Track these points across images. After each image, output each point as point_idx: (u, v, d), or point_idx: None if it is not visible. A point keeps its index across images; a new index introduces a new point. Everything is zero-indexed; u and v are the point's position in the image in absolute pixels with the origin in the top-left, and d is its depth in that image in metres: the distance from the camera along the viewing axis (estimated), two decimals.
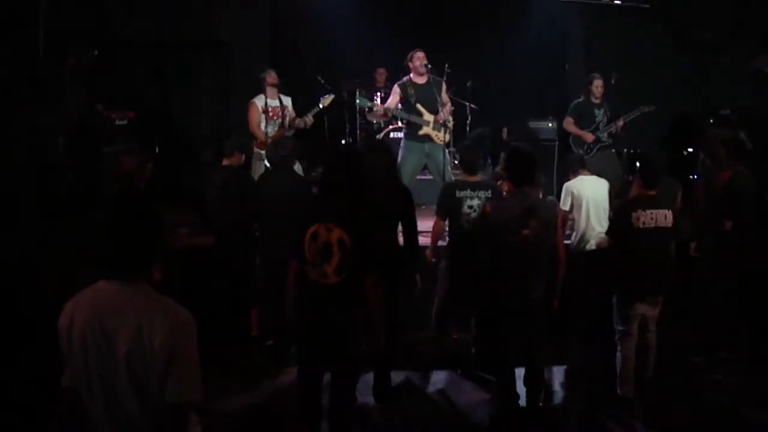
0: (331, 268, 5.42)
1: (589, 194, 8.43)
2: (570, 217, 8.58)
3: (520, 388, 6.82)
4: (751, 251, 7.81)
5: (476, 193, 7.64)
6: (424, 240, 7.97)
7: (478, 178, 7.95)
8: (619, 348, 7.18)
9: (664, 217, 6.90)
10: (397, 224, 7.04)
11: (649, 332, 7.24)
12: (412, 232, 7.11)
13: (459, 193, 7.69)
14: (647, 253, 6.92)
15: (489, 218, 6.49)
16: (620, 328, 7.16)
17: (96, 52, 10.63)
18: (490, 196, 7.56)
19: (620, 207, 7.24)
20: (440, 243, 8.16)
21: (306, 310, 5.67)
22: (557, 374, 7.90)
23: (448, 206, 7.77)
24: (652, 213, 6.87)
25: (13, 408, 5.83)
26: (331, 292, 5.47)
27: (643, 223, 6.84)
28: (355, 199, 5.58)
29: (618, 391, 7.16)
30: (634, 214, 6.86)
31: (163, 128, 11.74)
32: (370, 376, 7.21)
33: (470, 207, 7.60)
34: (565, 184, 8.62)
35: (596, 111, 10.76)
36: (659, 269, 7.04)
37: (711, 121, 11.52)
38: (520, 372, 6.82)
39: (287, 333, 7.49)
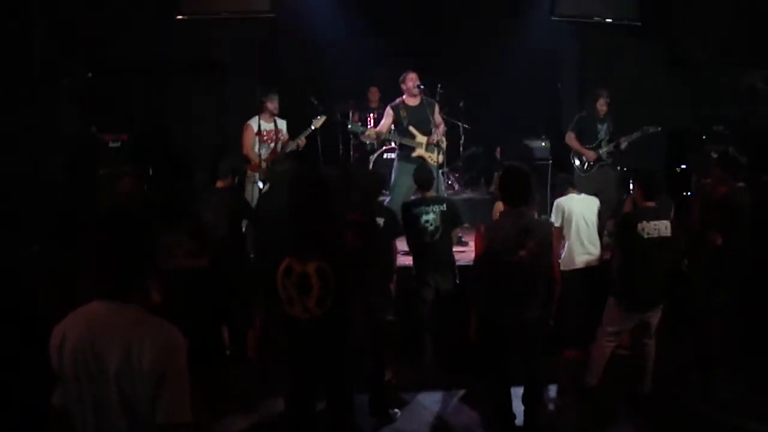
0: (312, 301, 5.25)
1: (578, 211, 8.48)
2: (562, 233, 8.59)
3: (517, 407, 6.82)
4: (747, 266, 7.83)
5: (431, 207, 8.00)
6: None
7: (432, 193, 8.32)
8: (598, 344, 7.40)
9: (665, 227, 7.04)
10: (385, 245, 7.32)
11: (649, 341, 7.38)
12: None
13: (414, 210, 8.02)
14: (651, 263, 7.09)
15: (484, 238, 6.49)
16: (610, 329, 7.33)
17: (89, 74, 10.66)
18: (445, 209, 8.00)
19: (626, 218, 7.36)
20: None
21: (292, 346, 5.55)
22: (551, 392, 7.87)
23: (407, 225, 8.04)
24: (655, 224, 7.00)
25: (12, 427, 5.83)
26: (315, 326, 5.32)
27: (648, 233, 6.98)
28: (330, 226, 5.48)
29: (587, 380, 7.43)
30: (639, 225, 6.99)
31: (157, 150, 11.75)
32: (365, 396, 7.23)
33: (426, 221, 7.94)
34: (556, 201, 8.66)
35: (599, 126, 10.73)
36: (662, 277, 7.22)
37: (704, 137, 11.54)
38: (517, 391, 6.82)
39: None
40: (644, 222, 6.99)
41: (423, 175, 8.35)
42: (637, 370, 7.47)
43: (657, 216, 7.08)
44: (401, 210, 8.22)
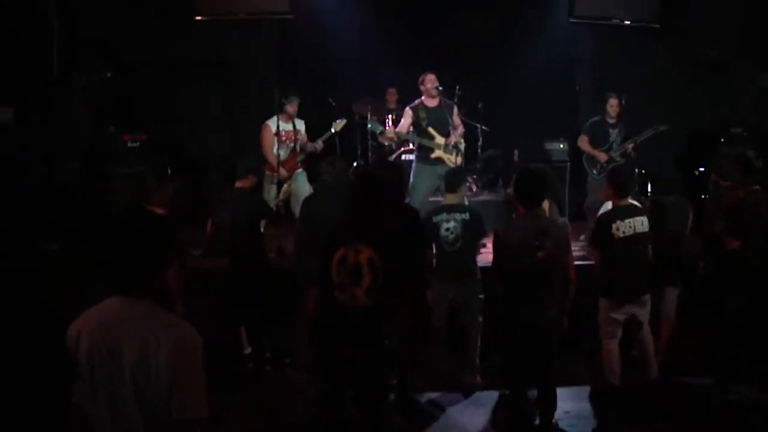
0: (362, 290, 5.53)
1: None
2: None
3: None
4: (762, 270, 7.79)
5: (452, 215, 7.80)
6: None
7: (455, 200, 8.09)
8: (603, 345, 7.47)
9: (640, 223, 7.24)
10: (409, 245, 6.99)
11: (643, 333, 7.53)
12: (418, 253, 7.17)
13: (435, 218, 7.85)
14: (629, 259, 7.25)
15: (500, 240, 6.49)
16: (606, 328, 7.43)
17: (107, 75, 10.72)
18: (467, 218, 7.76)
19: (600, 219, 7.48)
20: None
21: (335, 333, 5.75)
22: (570, 394, 7.81)
23: (429, 234, 7.85)
24: (630, 221, 7.19)
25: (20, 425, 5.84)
26: (361, 313, 5.58)
27: (623, 232, 7.16)
28: (382, 218, 5.73)
29: (605, 382, 7.47)
30: (613, 225, 7.17)
31: (174, 150, 11.80)
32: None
33: (447, 230, 7.76)
34: (606, 204, 8.22)
35: (611, 130, 10.72)
36: (641, 271, 7.39)
37: (722, 140, 11.51)
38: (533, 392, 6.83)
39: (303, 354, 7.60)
40: (618, 221, 7.18)
41: (451, 178, 8.21)
42: (642, 362, 7.61)
43: (631, 213, 7.25)
44: (423, 222, 8.01)
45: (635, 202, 7.61)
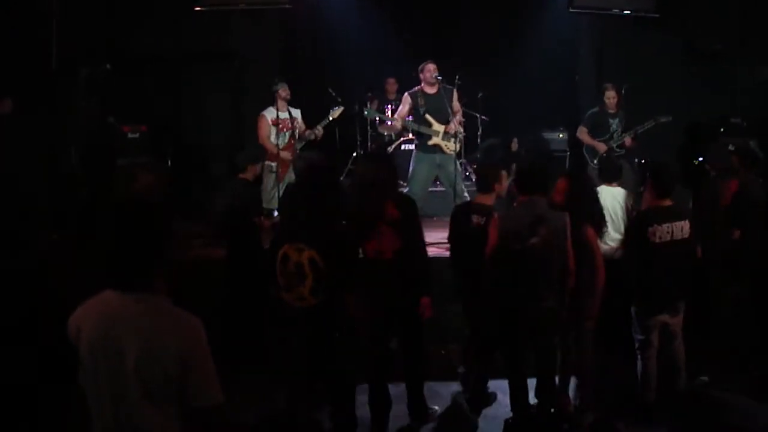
0: (307, 289, 5.47)
1: (605, 204, 7.80)
2: None
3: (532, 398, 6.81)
4: (761, 259, 7.77)
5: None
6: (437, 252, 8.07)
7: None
8: (639, 357, 7.05)
9: (680, 229, 6.64)
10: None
11: (676, 343, 7.06)
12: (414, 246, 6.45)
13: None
14: (664, 267, 6.68)
15: (497, 227, 6.47)
16: (640, 337, 6.99)
17: (108, 66, 10.72)
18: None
19: (635, 220, 7.05)
20: None
21: (289, 334, 5.81)
22: (574, 384, 7.77)
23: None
24: (668, 226, 6.60)
25: (19, 411, 5.86)
26: (309, 314, 5.54)
27: (660, 237, 6.59)
28: (324, 216, 5.61)
29: (641, 398, 7.08)
30: (650, 229, 6.61)
31: (175, 141, 11.81)
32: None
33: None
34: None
35: (611, 120, 10.77)
36: (677, 281, 6.80)
37: (722, 130, 11.49)
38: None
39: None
40: (655, 225, 6.60)
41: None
42: (668, 370, 7.18)
43: (671, 217, 6.67)
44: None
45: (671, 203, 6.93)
